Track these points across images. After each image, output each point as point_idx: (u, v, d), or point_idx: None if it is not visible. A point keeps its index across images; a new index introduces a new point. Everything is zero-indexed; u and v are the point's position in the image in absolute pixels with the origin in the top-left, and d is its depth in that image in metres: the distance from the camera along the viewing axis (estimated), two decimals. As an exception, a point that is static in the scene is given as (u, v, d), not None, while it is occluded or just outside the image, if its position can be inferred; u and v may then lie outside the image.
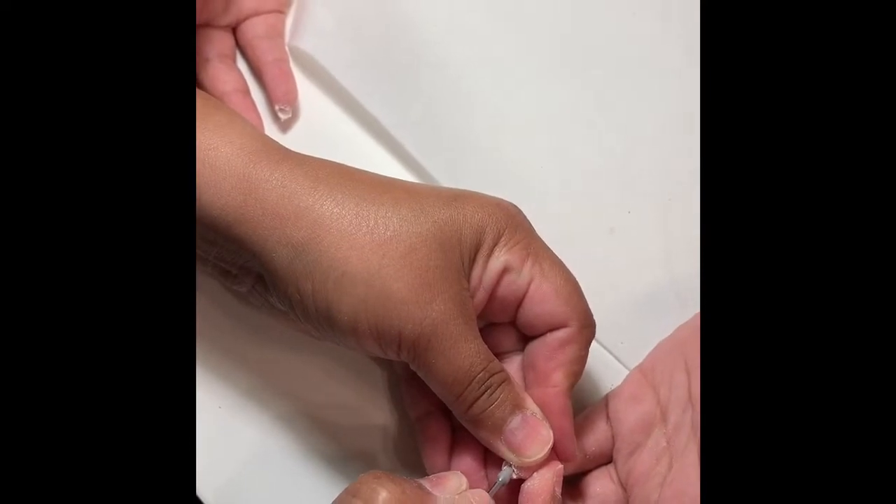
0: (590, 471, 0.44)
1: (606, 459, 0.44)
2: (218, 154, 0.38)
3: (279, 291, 0.39)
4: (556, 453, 0.41)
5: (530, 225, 0.42)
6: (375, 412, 0.47)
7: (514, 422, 0.40)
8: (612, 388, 0.45)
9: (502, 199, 0.42)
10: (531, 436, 0.40)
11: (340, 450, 0.46)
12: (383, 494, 0.36)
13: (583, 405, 0.46)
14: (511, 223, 0.41)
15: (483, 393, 0.39)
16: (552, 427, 0.40)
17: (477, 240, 0.40)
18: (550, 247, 0.42)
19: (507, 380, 0.40)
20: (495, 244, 0.40)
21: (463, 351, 0.38)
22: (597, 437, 0.44)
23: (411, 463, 0.45)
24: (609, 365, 0.48)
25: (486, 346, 0.39)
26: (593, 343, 0.43)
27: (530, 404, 0.40)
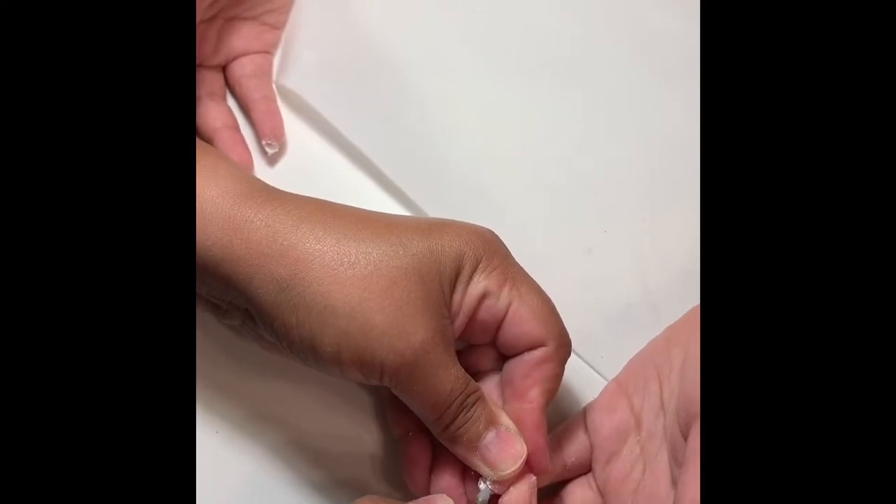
0: (570, 480, 0.45)
1: (586, 469, 0.45)
2: (204, 197, 0.39)
3: (266, 325, 0.40)
4: (530, 466, 0.42)
5: (507, 250, 0.43)
6: (366, 437, 0.48)
7: (489, 437, 0.41)
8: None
9: (479, 226, 0.42)
10: (505, 450, 0.41)
11: (332, 473, 0.47)
12: None
13: (565, 417, 0.46)
14: (488, 249, 0.42)
15: (460, 412, 0.40)
16: (526, 441, 0.41)
17: (456, 268, 0.41)
18: (531, 267, 0.43)
19: (481, 398, 0.41)
20: (474, 270, 0.41)
21: (443, 378, 0.39)
22: (576, 448, 0.45)
23: (400, 484, 0.46)
24: (590, 378, 0.48)
25: (463, 370, 0.40)
26: (574, 358, 0.44)
27: (504, 420, 0.41)
